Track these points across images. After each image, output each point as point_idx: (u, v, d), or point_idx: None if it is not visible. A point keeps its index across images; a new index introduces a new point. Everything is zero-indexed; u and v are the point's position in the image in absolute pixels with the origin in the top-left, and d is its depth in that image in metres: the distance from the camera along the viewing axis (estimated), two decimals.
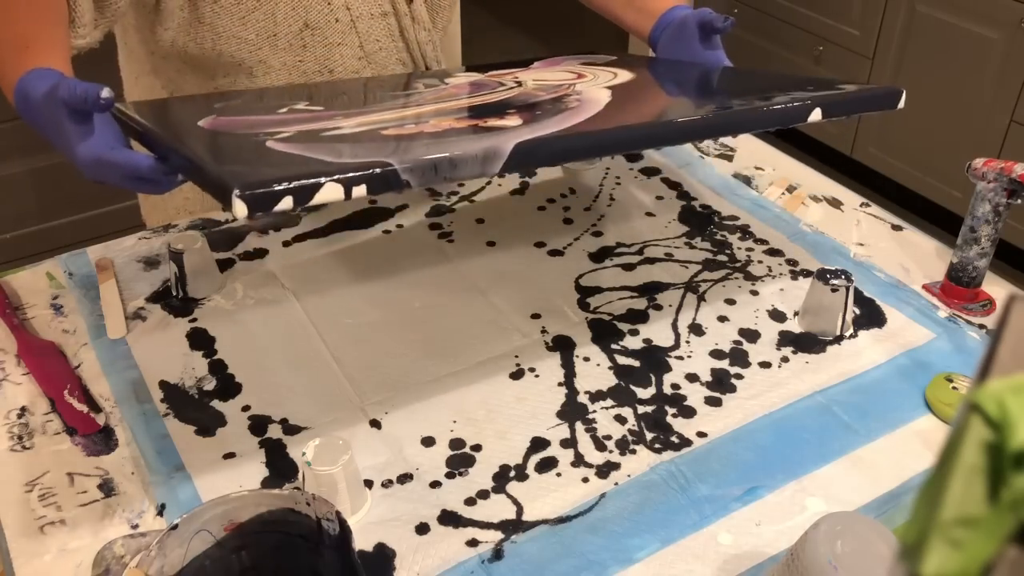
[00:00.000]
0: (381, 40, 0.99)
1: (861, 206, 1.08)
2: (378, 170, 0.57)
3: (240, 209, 0.53)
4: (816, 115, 0.73)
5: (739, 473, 0.74)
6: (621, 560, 0.67)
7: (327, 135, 0.67)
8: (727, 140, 1.20)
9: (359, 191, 0.57)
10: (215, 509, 0.57)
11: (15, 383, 0.81)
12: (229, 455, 0.75)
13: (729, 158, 1.16)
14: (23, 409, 0.79)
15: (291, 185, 0.55)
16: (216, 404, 0.79)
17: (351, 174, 0.57)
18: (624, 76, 0.92)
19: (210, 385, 0.81)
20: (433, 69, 1.08)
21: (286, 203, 0.55)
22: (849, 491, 0.73)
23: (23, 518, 0.69)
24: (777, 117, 0.73)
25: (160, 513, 0.70)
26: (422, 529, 0.69)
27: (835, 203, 1.08)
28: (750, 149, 1.18)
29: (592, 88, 0.84)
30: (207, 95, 0.93)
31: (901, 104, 0.78)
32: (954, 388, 0.80)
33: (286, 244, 0.99)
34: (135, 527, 0.69)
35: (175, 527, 0.56)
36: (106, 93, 0.63)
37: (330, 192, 0.56)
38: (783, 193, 1.08)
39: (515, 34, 3.71)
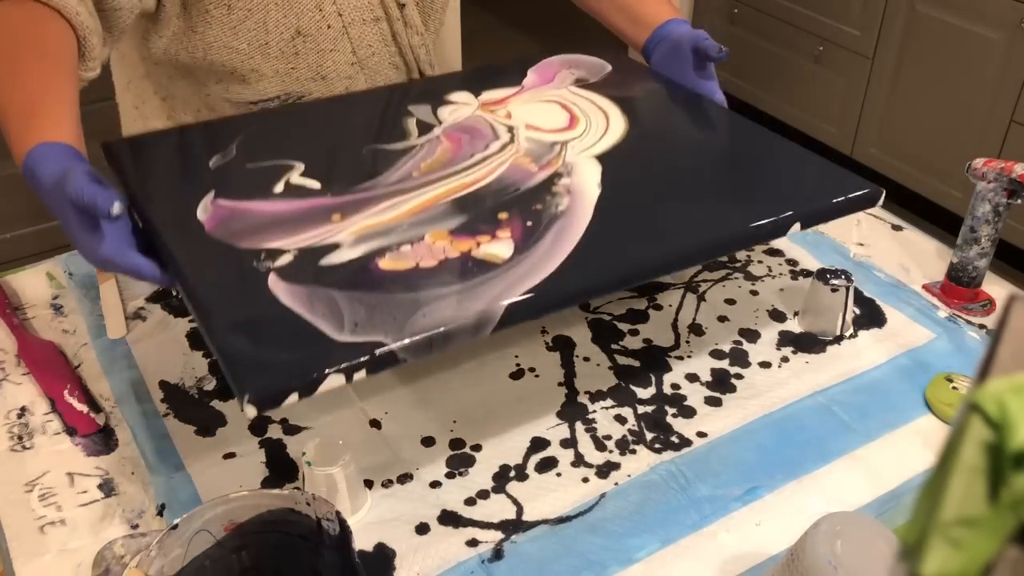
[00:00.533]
0: (374, 45, 0.98)
1: None
2: (377, 352, 0.60)
3: (251, 411, 0.57)
4: (796, 228, 0.77)
5: (739, 473, 0.74)
6: (621, 560, 0.67)
7: (326, 265, 0.68)
8: None
9: (359, 375, 0.60)
10: (215, 509, 0.57)
11: (15, 383, 0.81)
12: (229, 455, 0.75)
13: None
14: (23, 409, 0.79)
15: (298, 384, 0.58)
16: (216, 404, 0.79)
17: (353, 362, 0.59)
18: (614, 130, 0.90)
19: (210, 385, 0.81)
20: (428, 76, 1.06)
21: (292, 399, 0.58)
22: (849, 491, 0.73)
23: (23, 518, 0.69)
24: (763, 236, 0.78)
25: (160, 513, 0.70)
26: (422, 529, 0.69)
27: None
28: None
29: (582, 166, 0.83)
30: (205, 132, 0.91)
31: (880, 203, 0.82)
32: (954, 388, 0.80)
33: None
34: (135, 527, 0.69)
35: (175, 527, 0.56)
36: (116, 210, 0.61)
37: (332, 382, 0.59)
38: None
39: (515, 34, 3.71)
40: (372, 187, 0.78)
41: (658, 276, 0.77)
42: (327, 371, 0.59)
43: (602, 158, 0.84)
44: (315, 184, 0.79)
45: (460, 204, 0.76)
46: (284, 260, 0.68)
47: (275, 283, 0.66)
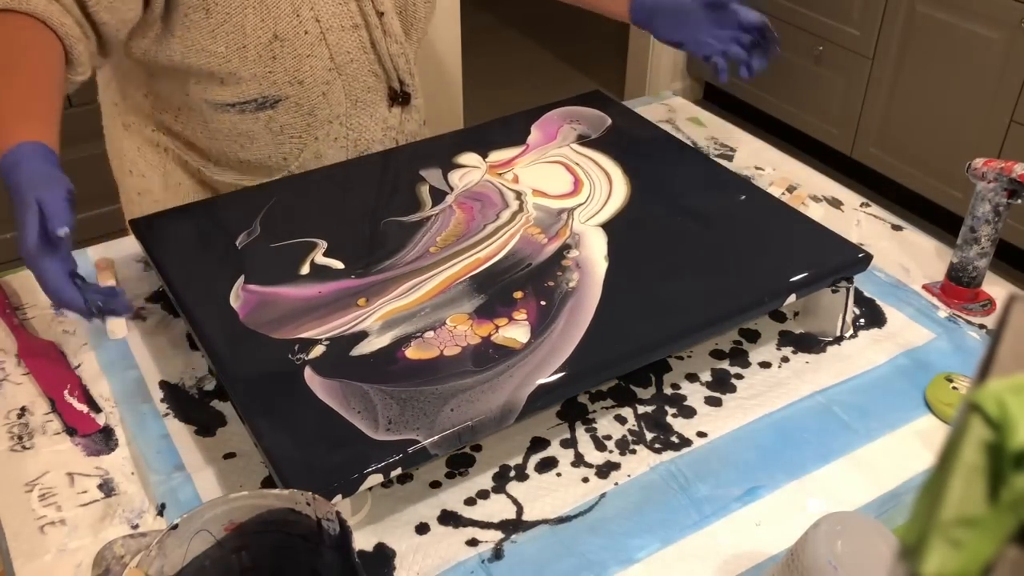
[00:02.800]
0: (352, 52, 0.98)
1: (861, 206, 1.08)
2: (410, 450, 0.65)
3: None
4: (792, 299, 0.82)
5: (739, 473, 0.74)
6: (621, 560, 0.67)
7: (357, 356, 0.73)
8: (727, 140, 1.20)
9: (395, 472, 0.66)
10: (215, 509, 0.57)
11: (15, 383, 0.81)
12: (229, 455, 0.75)
13: (730, 158, 1.16)
14: (23, 409, 0.79)
15: (342, 485, 0.63)
16: (216, 404, 0.79)
17: (389, 460, 0.64)
18: (616, 194, 0.93)
19: (210, 385, 0.81)
20: (436, 135, 1.07)
21: (336, 499, 0.63)
22: (849, 491, 0.73)
23: (23, 518, 0.69)
24: (764, 309, 0.84)
25: (160, 513, 0.70)
26: (422, 529, 0.69)
27: (835, 203, 1.08)
28: (751, 149, 1.18)
29: (589, 236, 0.87)
30: (229, 207, 0.93)
31: (868, 267, 0.87)
32: (954, 388, 0.80)
33: None
34: (135, 527, 0.69)
35: (175, 527, 0.56)
36: (62, 232, 0.67)
37: (372, 481, 0.64)
38: (783, 193, 1.08)
39: (515, 34, 3.71)
40: (392, 266, 0.83)
41: (662, 356, 0.82)
42: (367, 471, 0.64)
43: (607, 227, 0.88)
44: (338, 264, 0.83)
45: (477, 283, 0.81)
46: (317, 352, 0.74)
47: (311, 377, 0.71)
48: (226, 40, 0.91)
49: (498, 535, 0.69)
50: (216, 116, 0.98)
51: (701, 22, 0.98)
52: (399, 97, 1.05)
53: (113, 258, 0.96)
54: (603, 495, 0.72)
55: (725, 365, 0.84)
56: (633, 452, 0.75)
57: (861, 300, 0.93)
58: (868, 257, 0.86)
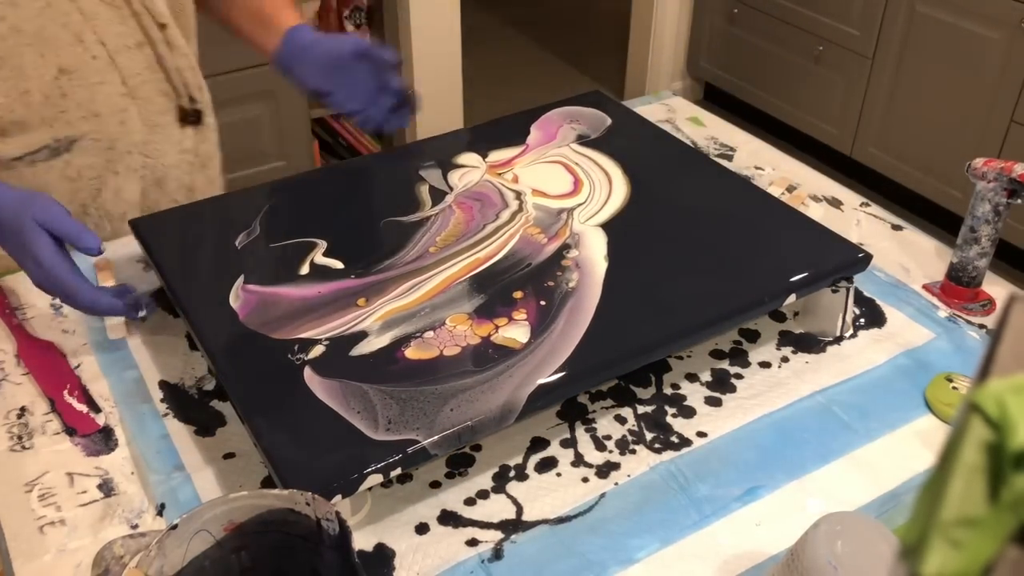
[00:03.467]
0: (142, 73, 0.94)
1: (861, 206, 1.08)
2: (410, 450, 0.65)
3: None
4: (792, 299, 0.82)
5: (739, 473, 0.74)
6: (621, 560, 0.67)
7: (356, 356, 0.73)
8: (727, 140, 1.20)
9: (395, 472, 0.66)
10: (215, 509, 0.57)
11: (15, 383, 0.81)
12: (229, 455, 0.75)
13: (729, 158, 1.16)
14: (23, 409, 0.79)
15: (341, 485, 0.63)
16: (216, 404, 0.79)
17: (389, 460, 0.64)
18: (616, 193, 0.93)
19: (210, 385, 0.81)
20: (435, 136, 1.06)
21: (336, 499, 0.63)
22: (849, 491, 0.73)
23: (23, 518, 0.69)
24: (764, 309, 0.84)
25: (160, 513, 0.70)
26: (422, 529, 0.69)
27: (835, 203, 1.08)
28: (750, 149, 1.18)
29: (589, 236, 0.86)
30: (228, 206, 0.90)
31: (868, 267, 0.87)
32: (954, 388, 0.80)
33: None
34: (135, 527, 0.69)
35: (175, 527, 0.56)
36: (102, 248, 0.69)
37: (371, 480, 0.64)
38: (783, 193, 1.08)
39: (515, 34, 3.71)
40: (392, 266, 0.83)
41: (661, 357, 0.82)
42: (366, 471, 0.64)
43: (607, 227, 0.88)
44: (338, 264, 0.83)
45: (476, 283, 0.80)
46: (317, 352, 0.73)
47: (311, 377, 0.71)
48: (4, 88, 0.85)
49: (498, 535, 0.69)
50: (3, 174, 0.90)
51: (353, 73, 0.95)
52: (189, 116, 1.01)
53: (113, 258, 0.96)
54: (603, 495, 0.72)
55: (725, 365, 0.84)
56: (633, 452, 0.75)
57: (861, 300, 0.93)
58: (868, 257, 0.86)
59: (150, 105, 0.96)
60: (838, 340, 0.88)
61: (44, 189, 0.90)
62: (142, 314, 0.81)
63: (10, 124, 0.87)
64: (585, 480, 0.73)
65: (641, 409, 0.80)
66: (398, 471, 0.66)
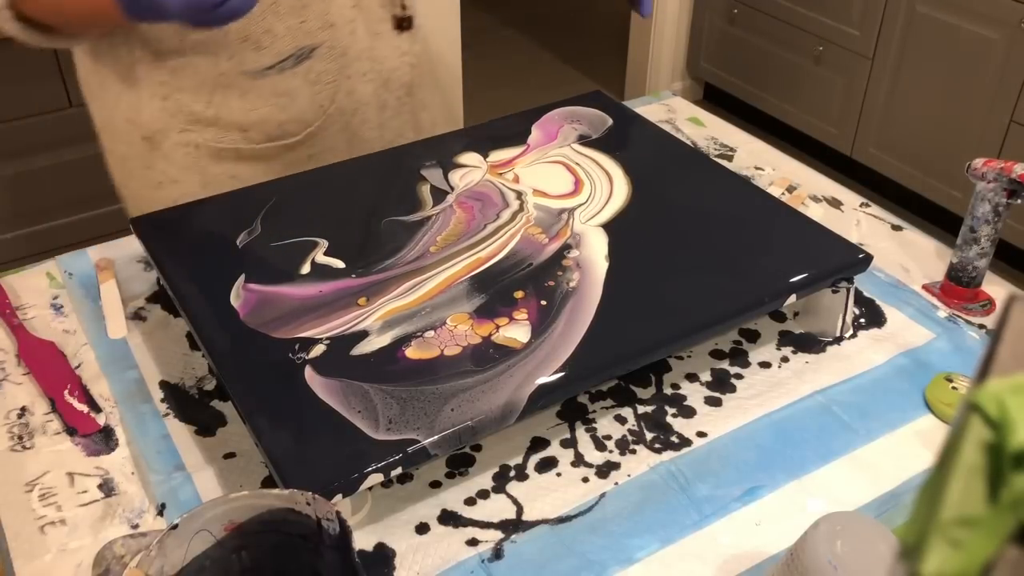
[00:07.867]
0: None
1: (861, 206, 1.08)
2: (410, 449, 0.65)
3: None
4: (792, 299, 0.82)
5: (739, 473, 0.74)
6: (621, 560, 0.67)
7: (357, 355, 0.73)
8: (727, 140, 1.20)
9: (395, 472, 0.66)
10: (215, 509, 0.57)
11: (15, 383, 0.81)
12: (229, 455, 0.75)
13: (729, 158, 1.16)
14: (23, 409, 0.79)
15: (341, 485, 0.63)
16: (216, 404, 0.79)
17: (389, 460, 0.65)
18: (617, 194, 0.93)
19: (210, 385, 0.81)
20: (436, 135, 1.08)
21: (336, 499, 0.63)
22: (849, 491, 0.73)
23: (23, 518, 0.69)
24: (765, 310, 0.84)
25: (160, 513, 0.70)
26: (422, 529, 0.69)
27: (835, 203, 1.08)
28: (750, 150, 1.18)
29: (590, 236, 0.87)
30: (229, 205, 0.92)
31: (868, 268, 0.87)
32: (954, 388, 0.80)
33: None
34: (135, 527, 0.69)
35: (175, 527, 0.56)
36: None
37: (372, 480, 0.64)
38: (783, 193, 1.08)
39: (515, 34, 3.71)
40: (393, 266, 0.83)
41: (662, 356, 0.83)
42: (367, 471, 0.64)
43: (608, 227, 0.88)
44: (339, 263, 0.83)
45: (477, 283, 0.81)
46: (317, 351, 0.73)
47: (311, 377, 0.71)
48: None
49: (498, 535, 0.69)
50: (255, 85, 1.00)
51: None
52: (403, 22, 1.09)
53: (113, 258, 0.96)
54: (603, 495, 0.72)
55: (725, 365, 0.85)
56: (633, 452, 0.75)
57: (861, 300, 0.93)
58: (868, 257, 0.86)
59: (372, 15, 1.05)
60: (838, 340, 0.88)
61: (289, 93, 1.02)
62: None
63: (263, 34, 0.96)
64: (585, 480, 0.73)
65: (641, 409, 0.80)
66: (398, 471, 0.66)
